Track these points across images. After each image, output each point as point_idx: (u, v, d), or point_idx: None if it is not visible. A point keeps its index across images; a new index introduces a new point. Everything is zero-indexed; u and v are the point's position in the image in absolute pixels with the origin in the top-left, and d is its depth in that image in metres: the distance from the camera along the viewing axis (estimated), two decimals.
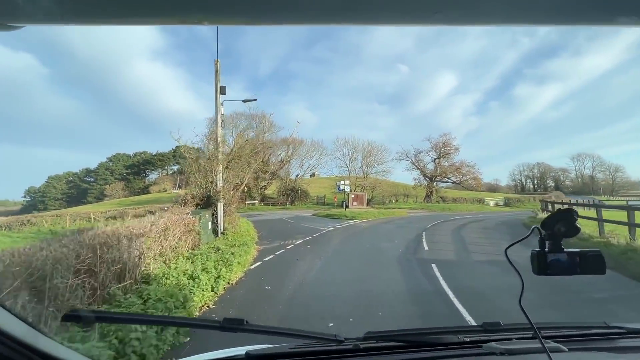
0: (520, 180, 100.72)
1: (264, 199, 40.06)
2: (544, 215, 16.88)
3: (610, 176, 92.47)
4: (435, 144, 44.95)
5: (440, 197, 43.50)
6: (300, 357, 0.94)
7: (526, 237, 0.62)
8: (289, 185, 40.65)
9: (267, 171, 40.91)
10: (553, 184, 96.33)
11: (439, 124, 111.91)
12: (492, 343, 0.88)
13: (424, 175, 45.84)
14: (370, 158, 44.01)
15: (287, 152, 42.27)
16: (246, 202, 37.30)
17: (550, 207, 17.21)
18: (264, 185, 41.45)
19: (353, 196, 35.33)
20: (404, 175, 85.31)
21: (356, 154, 44.46)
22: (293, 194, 39.95)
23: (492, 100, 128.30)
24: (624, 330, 0.93)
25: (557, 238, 0.57)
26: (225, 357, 0.98)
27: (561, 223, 0.55)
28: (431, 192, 43.90)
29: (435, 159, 45.21)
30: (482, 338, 0.97)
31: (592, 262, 0.56)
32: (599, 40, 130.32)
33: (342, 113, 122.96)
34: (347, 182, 30.71)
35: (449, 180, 46.03)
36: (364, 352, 0.93)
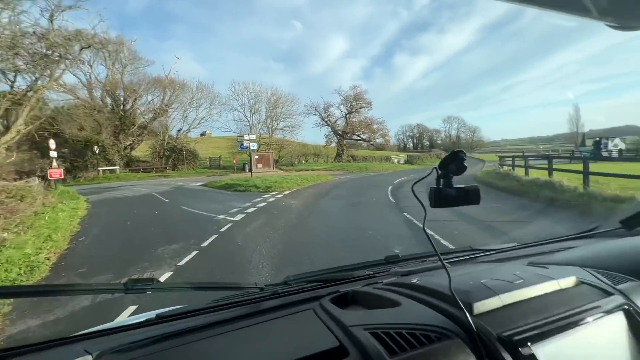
0: (403, 140, 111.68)
1: (130, 164, 28.51)
2: (503, 169, 14.99)
3: (470, 136, 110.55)
4: (346, 97, 40.68)
5: (351, 157, 40.46)
6: (217, 311, 0.81)
7: (428, 174, 0.69)
8: (168, 144, 29.93)
9: (132, 123, 28.95)
10: (428, 143, 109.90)
11: (332, 85, 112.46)
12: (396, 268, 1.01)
13: (335, 132, 41.68)
14: (277, 110, 36.59)
15: (163, 98, 30.73)
16: (99, 168, 25.38)
17: (509, 161, 15.73)
18: (130, 145, 29.52)
19: (257, 157, 28.08)
20: (314, 133, 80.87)
21: (259, 105, 36.17)
22: (175, 156, 29.68)
23: (376, 67, 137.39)
24: (481, 250, 1.14)
25: (449, 176, 0.63)
26: (136, 323, 0.81)
27: (454, 163, 0.61)
28: (342, 151, 40.31)
29: (346, 114, 41.16)
30: (385, 269, 1.06)
31: (472, 195, 0.65)
32: (457, 21, 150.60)
33: (235, 68, 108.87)
34: (253, 136, 23.21)
35: (360, 138, 43.27)
36: (282, 294, 0.88)
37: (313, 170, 28.90)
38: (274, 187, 14.59)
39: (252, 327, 0.69)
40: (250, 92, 35.51)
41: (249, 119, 35.45)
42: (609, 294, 0.62)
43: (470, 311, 0.55)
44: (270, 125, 36.22)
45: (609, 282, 0.67)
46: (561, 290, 0.63)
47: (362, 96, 39.99)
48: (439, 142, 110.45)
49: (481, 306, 0.56)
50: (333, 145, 42.36)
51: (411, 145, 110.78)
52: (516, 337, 0.49)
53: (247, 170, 24.93)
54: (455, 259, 1.04)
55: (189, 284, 0.81)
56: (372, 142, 44.17)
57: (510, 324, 0.52)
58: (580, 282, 0.67)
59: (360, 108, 40.23)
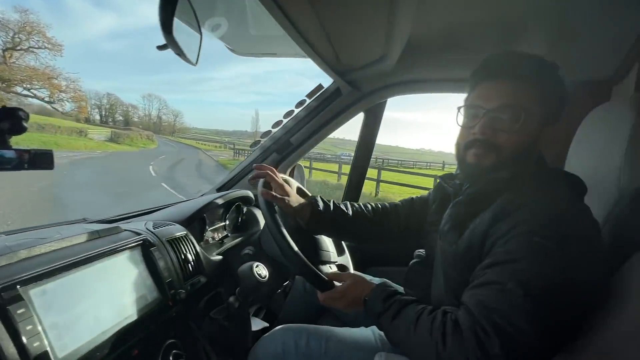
0: (88, 110, 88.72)
1: None
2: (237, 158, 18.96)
3: (173, 119, 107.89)
4: (4, 19, 24.06)
5: None
6: None
7: None
8: None
9: None
10: (122, 119, 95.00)
11: None
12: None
13: None
14: None
15: None
16: None
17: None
18: None
19: None
20: None
21: None
22: None
23: None
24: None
25: (3, 135, 0.57)
26: None
27: (7, 120, 0.57)
28: None
29: (4, 49, 24.31)
30: None
31: (43, 159, 0.62)
32: None
33: None
34: None
35: (31, 94, 27.29)
36: None
37: None
38: None
39: None
40: None
41: None
42: (139, 234, 0.79)
43: None
44: None
45: (146, 227, 0.85)
46: (97, 238, 0.73)
47: (43, 31, 25.44)
48: (135, 119, 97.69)
49: None
50: None
51: (98, 117, 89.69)
52: (6, 284, 0.54)
53: None
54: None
55: None
56: (53, 104, 29.73)
57: (14, 274, 0.56)
58: (124, 230, 0.80)
59: (37, 48, 25.43)
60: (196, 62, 0.76)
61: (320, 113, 1.45)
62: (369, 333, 0.88)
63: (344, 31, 0.96)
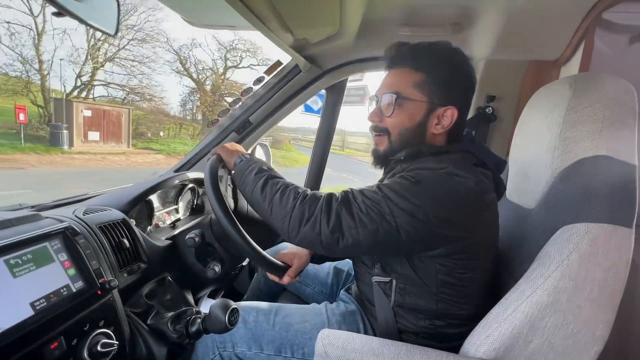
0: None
1: None
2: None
3: None
4: (224, 43, 20.33)
5: None
6: None
7: None
8: None
9: None
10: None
11: None
12: None
13: (202, 90, 19.59)
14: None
15: None
16: None
17: None
18: None
19: (89, 114, 12.80)
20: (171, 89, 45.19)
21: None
22: None
23: None
24: None
25: None
26: None
27: None
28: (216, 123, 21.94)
29: (225, 68, 19.66)
30: None
31: None
32: None
33: None
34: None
35: (230, 108, 31.49)
36: None
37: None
38: None
39: None
40: None
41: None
42: (62, 221, 0.74)
43: None
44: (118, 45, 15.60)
45: (75, 214, 0.81)
46: (9, 227, 0.68)
47: (256, 50, 24.27)
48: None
49: None
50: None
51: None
52: None
53: (63, 144, 11.84)
54: None
55: None
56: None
57: None
58: (44, 217, 0.74)
59: (255, 65, 21.13)
60: (115, 33, 0.73)
61: (280, 90, 1.42)
62: (319, 308, 0.89)
63: (294, 5, 0.95)
